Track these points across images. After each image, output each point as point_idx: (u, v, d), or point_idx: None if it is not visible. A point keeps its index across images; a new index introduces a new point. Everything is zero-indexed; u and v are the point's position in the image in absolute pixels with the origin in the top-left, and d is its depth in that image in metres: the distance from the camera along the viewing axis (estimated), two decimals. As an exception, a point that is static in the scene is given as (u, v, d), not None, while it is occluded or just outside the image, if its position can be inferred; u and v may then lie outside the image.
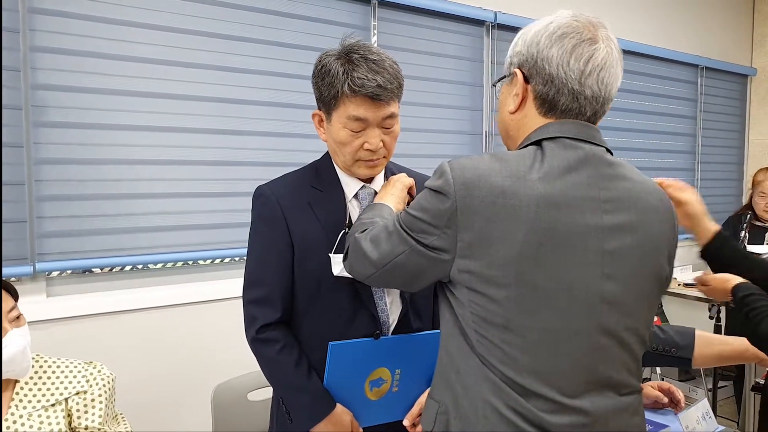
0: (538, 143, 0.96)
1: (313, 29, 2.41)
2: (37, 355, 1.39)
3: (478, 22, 2.88)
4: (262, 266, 1.31)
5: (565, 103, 0.96)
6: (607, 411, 0.93)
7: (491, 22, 2.89)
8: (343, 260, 1.15)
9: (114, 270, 2.05)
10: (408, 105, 2.63)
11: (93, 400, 1.34)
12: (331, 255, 1.28)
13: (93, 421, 1.31)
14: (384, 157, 1.31)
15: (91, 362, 1.42)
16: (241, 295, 1.35)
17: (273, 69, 2.31)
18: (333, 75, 1.23)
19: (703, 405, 1.63)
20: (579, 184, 0.91)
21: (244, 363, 2.01)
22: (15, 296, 1.44)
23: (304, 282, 1.31)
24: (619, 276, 0.92)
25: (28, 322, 1.89)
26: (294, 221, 1.30)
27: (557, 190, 0.90)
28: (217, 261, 2.25)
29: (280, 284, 1.30)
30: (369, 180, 1.38)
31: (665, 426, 1.53)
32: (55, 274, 1.95)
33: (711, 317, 2.82)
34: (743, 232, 3.25)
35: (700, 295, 2.76)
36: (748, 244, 3.22)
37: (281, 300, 1.30)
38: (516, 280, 0.88)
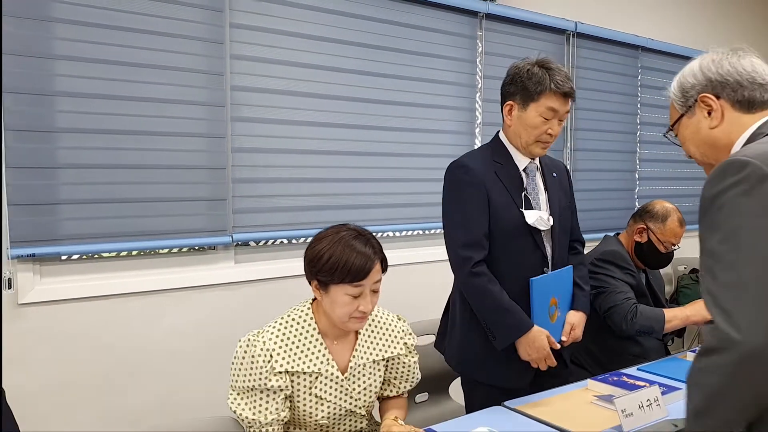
0: None
1: (429, 38, 2.80)
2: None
3: (560, 31, 3.28)
4: (470, 218, 1.73)
5: (761, 95, 1.17)
6: None
7: (572, 31, 3.29)
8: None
9: (291, 242, 2.44)
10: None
11: (407, 365, 1.65)
12: (523, 210, 1.73)
13: (406, 386, 1.65)
14: (550, 142, 1.77)
15: (400, 318, 1.68)
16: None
17: (399, 73, 2.69)
18: (540, 76, 1.68)
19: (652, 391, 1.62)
20: None
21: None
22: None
23: (498, 231, 1.74)
24: None
25: (222, 284, 2.30)
26: (489, 185, 1.74)
27: None
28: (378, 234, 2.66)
29: (484, 231, 1.73)
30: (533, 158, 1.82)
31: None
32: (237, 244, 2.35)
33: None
34: None
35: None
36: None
37: (485, 243, 1.73)
38: None
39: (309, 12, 2.42)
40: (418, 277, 2.72)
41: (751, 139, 1.14)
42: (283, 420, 1.46)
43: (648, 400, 1.59)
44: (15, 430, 1.33)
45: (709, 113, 1.20)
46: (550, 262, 1.81)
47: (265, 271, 2.37)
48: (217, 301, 2.28)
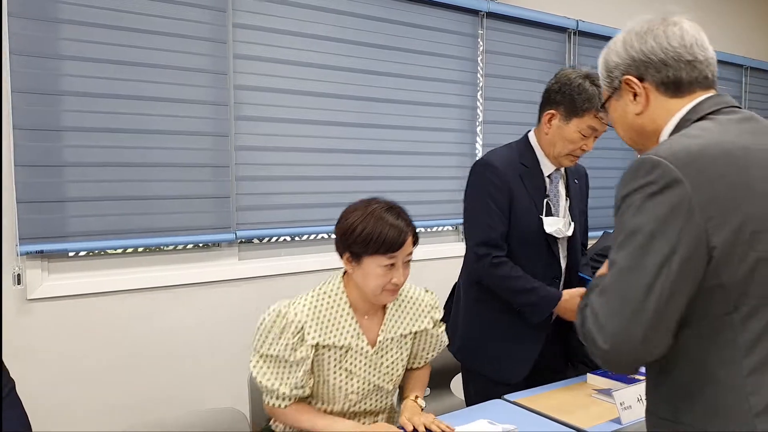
0: (703, 118, 1.02)
1: (431, 37, 2.81)
2: None
3: (562, 30, 3.29)
4: (491, 218, 1.75)
5: (688, 75, 1.05)
6: None
7: (573, 30, 3.30)
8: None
9: (295, 239, 2.47)
10: (503, 101, 3.05)
11: (433, 336, 1.67)
12: (543, 217, 1.74)
13: (432, 354, 1.69)
14: (580, 156, 1.78)
15: (428, 291, 1.68)
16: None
17: (400, 71, 2.71)
18: (590, 93, 1.67)
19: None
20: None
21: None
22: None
23: (517, 233, 1.76)
24: None
25: (226, 281, 2.32)
26: (513, 187, 1.75)
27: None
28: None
29: (502, 232, 1.75)
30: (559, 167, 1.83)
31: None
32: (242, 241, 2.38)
33: None
34: None
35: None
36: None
37: (503, 245, 1.76)
38: None
39: (311, 11, 2.44)
40: (419, 277, 2.74)
41: (678, 127, 1.04)
42: (298, 396, 1.48)
43: (646, 393, 1.61)
44: (26, 422, 1.36)
45: (635, 96, 1.09)
46: (563, 269, 1.83)
47: (268, 267, 2.40)
48: (221, 297, 2.31)
